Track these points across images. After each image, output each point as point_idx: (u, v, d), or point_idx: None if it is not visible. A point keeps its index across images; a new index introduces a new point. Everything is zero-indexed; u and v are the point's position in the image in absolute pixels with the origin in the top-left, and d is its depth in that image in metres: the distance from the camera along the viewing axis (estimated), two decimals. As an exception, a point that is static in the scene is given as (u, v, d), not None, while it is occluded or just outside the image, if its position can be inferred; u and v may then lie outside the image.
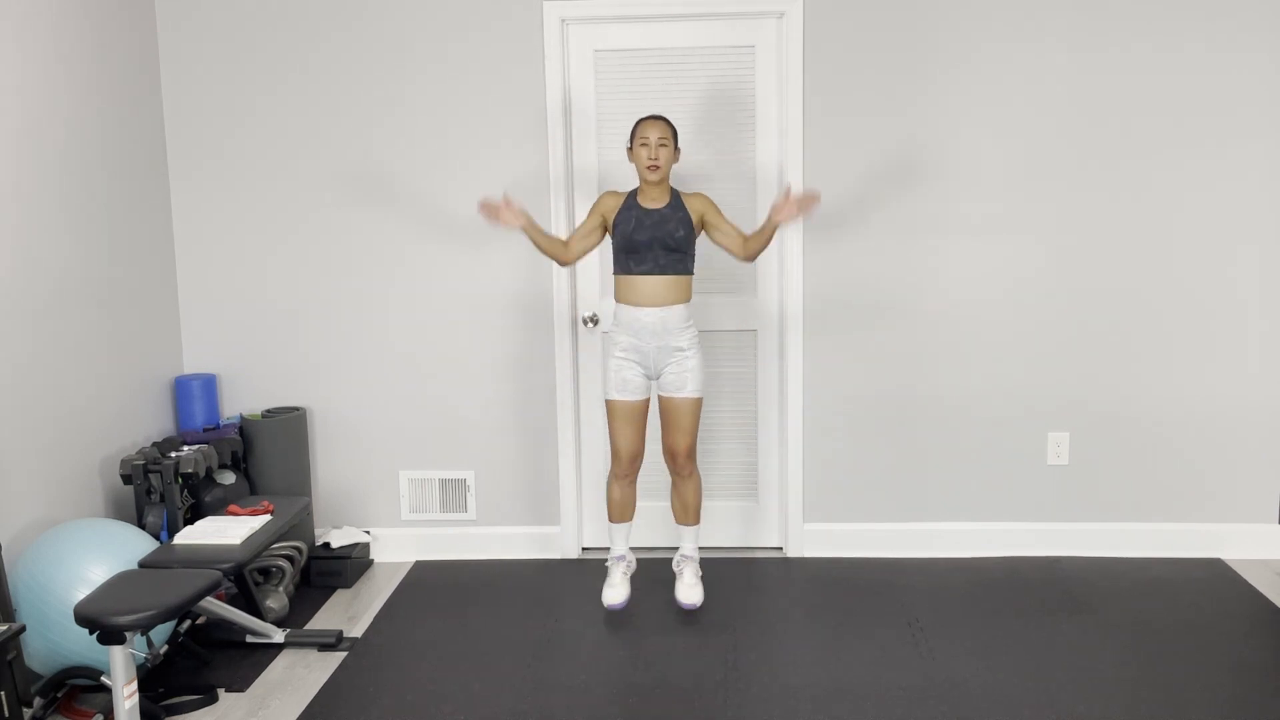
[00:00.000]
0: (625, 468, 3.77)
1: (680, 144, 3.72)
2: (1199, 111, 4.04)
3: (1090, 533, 4.28)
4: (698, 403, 3.71)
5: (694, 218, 3.64)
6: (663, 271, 3.60)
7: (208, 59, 4.19)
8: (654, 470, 4.22)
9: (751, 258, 3.69)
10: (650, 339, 3.63)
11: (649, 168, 3.57)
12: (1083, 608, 3.79)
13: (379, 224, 4.26)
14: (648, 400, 3.73)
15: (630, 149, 3.64)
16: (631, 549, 4.32)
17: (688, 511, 3.84)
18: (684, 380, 3.66)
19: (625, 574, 3.85)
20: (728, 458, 4.38)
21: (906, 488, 4.31)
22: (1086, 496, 4.27)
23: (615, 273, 3.68)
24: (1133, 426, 4.23)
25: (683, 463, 3.76)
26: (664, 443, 3.77)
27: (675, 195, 3.65)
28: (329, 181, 4.24)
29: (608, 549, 3.95)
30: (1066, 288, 4.17)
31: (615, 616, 3.81)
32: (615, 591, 3.80)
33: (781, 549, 4.43)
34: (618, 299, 3.68)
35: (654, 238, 3.57)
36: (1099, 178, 4.10)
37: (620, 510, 3.83)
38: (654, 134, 3.57)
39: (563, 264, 3.77)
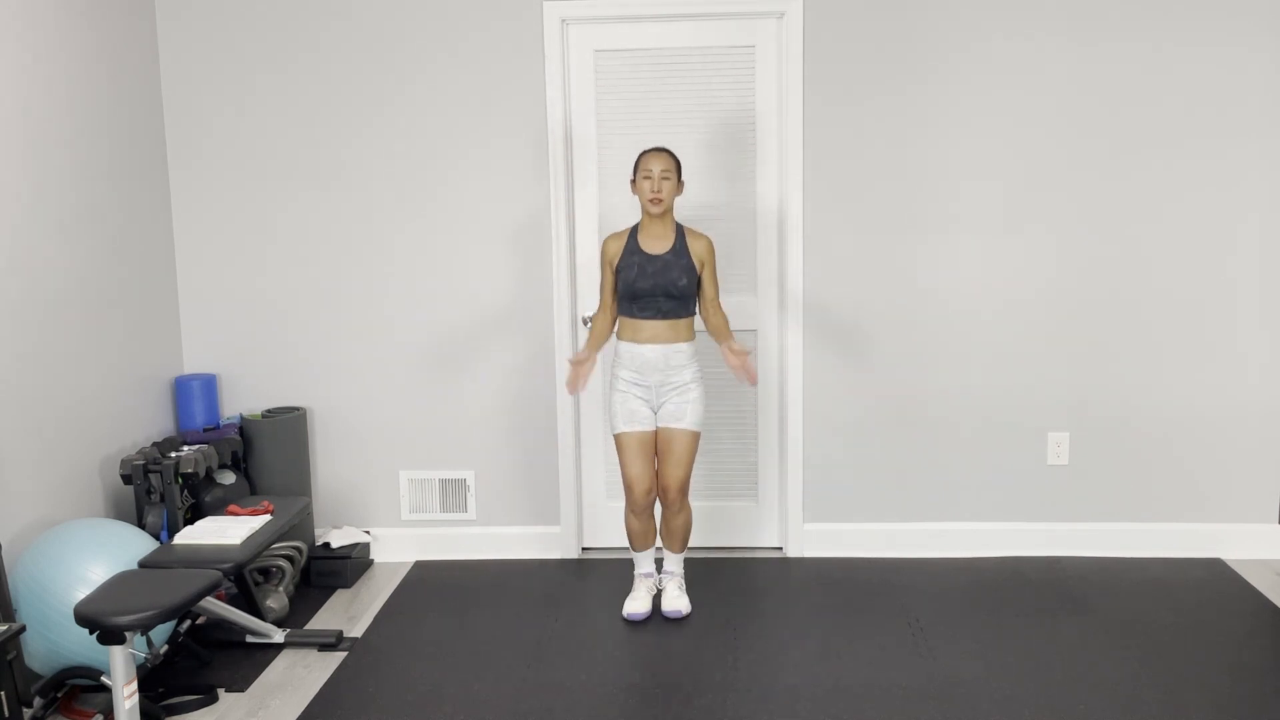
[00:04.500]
0: (640, 502, 3.72)
1: (681, 156, 3.71)
2: (1198, 113, 4.04)
3: (1090, 533, 4.28)
4: (695, 437, 3.68)
5: (696, 263, 3.62)
6: (664, 316, 3.60)
7: (208, 60, 4.19)
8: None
9: (704, 316, 3.71)
10: (653, 374, 3.64)
11: (652, 200, 3.55)
12: (1083, 608, 3.79)
13: (380, 224, 4.26)
14: (655, 432, 3.71)
15: (633, 182, 3.62)
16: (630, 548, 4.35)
17: (674, 540, 3.83)
18: (683, 412, 3.65)
19: (650, 591, 3.85)
20: (728, 458, 4.38)
21: (906, 488, 4.31)
22: (1086, 496, 4.27)
23: (619, 313, 3.68)
24: (1133, 427, 4.23)
25: (674, 498, 3.72)
26: (658, 475, 3.74)
27: (680, 237, 3.62)
28: (330, 182, 4.24)
29: (611, 549, 3.94)
30: (1066, 287, 4.17)
31: (615, 617, 3.80)
32: (638, 603, 3.79)
33: (781, 549, 4.43)
34: (620, 337, 3.68)
35: (656, 285, 3.56)
36: (1098, 180, 4.10)
37: (642, 539, 3.82)
38: (657, 166, 3.55)
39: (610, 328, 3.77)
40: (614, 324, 3.75)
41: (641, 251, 3.60)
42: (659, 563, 4.01)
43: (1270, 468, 4.22)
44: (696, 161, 4.17)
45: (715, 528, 4.41)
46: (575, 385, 3.67)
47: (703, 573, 4.15)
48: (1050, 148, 4.10)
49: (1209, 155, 4.07)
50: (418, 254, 4.27)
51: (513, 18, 4.12)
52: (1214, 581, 4.01)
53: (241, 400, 4.38)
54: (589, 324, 4.28)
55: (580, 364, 3.66)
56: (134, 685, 2.80)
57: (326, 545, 4.26)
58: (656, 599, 3.88)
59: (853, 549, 4.35)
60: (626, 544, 4.32)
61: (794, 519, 4.34)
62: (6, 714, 2.87)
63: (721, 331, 3.70)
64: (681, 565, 3.88)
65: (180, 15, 4.17)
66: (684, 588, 3.86)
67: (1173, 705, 3.10)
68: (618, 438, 3.70)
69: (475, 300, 4.29)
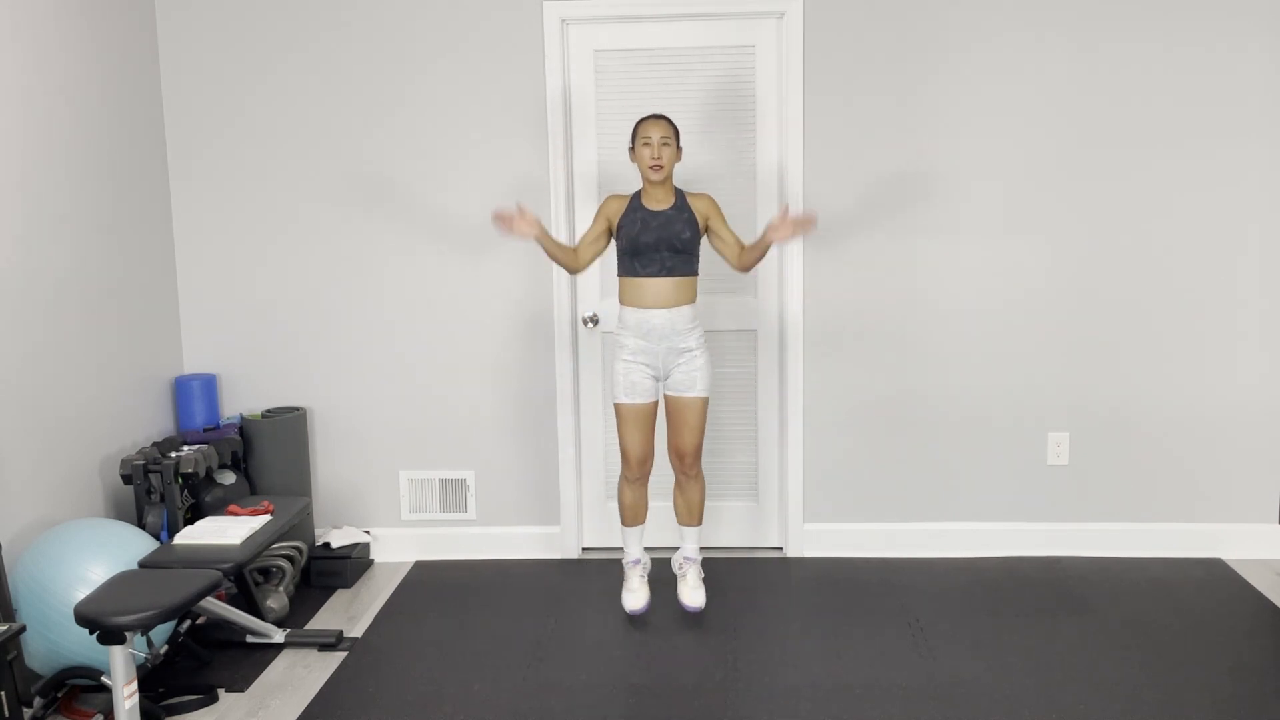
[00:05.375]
0: (636, 471, 3.74)
1: (681, 144, 3.71)
2: (1198, 112, 4.04)
3: (1090, 533, 4.28)
4: (705, 402, 3.69)
5: (699, 219, 3.63)
6: (669, 274, 3.59)
7: (207, 59, 4.19)
8: (655, 469, 4.22)
9: (745, 269, 3.68)
10: (659, 340, 3.62)
11: (652, 167, 3.55)
12: (1083, 608, 3.79)
13: (379, 224, 4.26)
14: (656, 403, 3.72)
15: (632, 150, 3.62)
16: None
17: (691, 512, 3.83)
18: (693, 380, 3.65)
19: (643, 577, 3.84)
20: (728, 458, 4.38)
21: (906, 488, 4.32)
22: (1086, 496, 4.28)
23: (620, 275, 3.66)
24: (1133, 427, 4.23)
25: (689, 463, 3.74)
26: (670, 443, 3.75)
27: (680, 195, 3.64)
28: (329, 182, 4.24)
29: (611, 549, 3.94)
30: (1067, 288, 4.17)
31: (615, 617, 3.81)
32: (636, 596, 3.78)
33: (781, 549, 4.43)
34: (623, 302, 3.66)
35: (660, 239, 3.55)
36: (1099, 180, 4.10)
37: (633, 513, 3.81)
38: (656, 133, 3.55)
39: (572, 272, 3.74)
40: (575, 260, 3.68)
41: (644, 208, 3.60)
42: (661, 560, 4.02)
43: (1270, 468, 4.22)
44: (696, 162, 4.16)
45: (715, 528, 4.41)
46: (494, 216, 3.55)
47: (704, 573, 4.13)
48: (1051, 147, 4.10)
49: (1209, 155, 4.07)
50: (418, 254, 4.27)
51: (512, 18, 4.12)
52: (1214, 581, 4.01)
53: (241, 400, 4.38)
54: (590, 323, 4.28)
55: (524, 213, 3.52)
56: (134, 685, 2.80)
57: (326, 545, 4.26)
58: (672, 587, 3.88)
59: (853, 549, 4.35)
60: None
61: (794, 519, 4.34)
62: (6, 714, 2.87)
63: (757, 244, 3.58)
64: (698, 548, 3.86)
65: (180, 15, 4.17)
66: (703, 576, 3.84)
67: (1173, 705, 3.11)
68: (618, 407, 3.69)
69: (475, 300, 4.29)
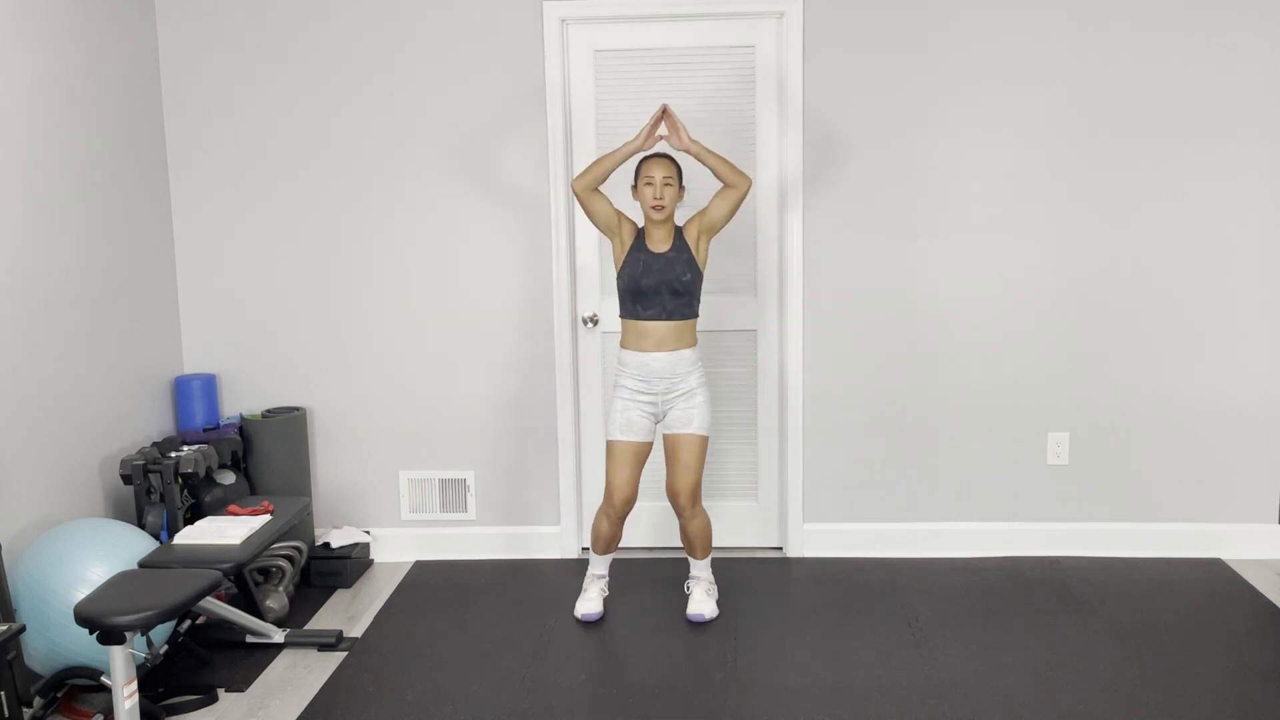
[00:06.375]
0: (618, 509, 3.69)
1: (682, 157, 3.68)
2: (1199, 111, 4.04)
3: (1090, 533, 4.28)
4: (703, 441, 3.65)
5: (696, 251, 3.61)
6: (670, 317, 3.57)
7: (208, 59, 4.19)
8: (653, 467, 4.22)
9: (736, 181, 3.56)
10: (659, 383, 3.61)
11: (654, 207, 3.53)
12: (1083, 608, 3.79)
13: (379, 224, 4.26)
14: (650, 445, 3.68)
15: (634, 188, 3.61)
16: (631, 548, 4.34)
17: (695, 549, 3.78)
18: (690, 417, 3.62)
19: (601, 592, 3.84)
20: (728, 457, 4.38)
21: (906, 488, 4.31)
22: (1086, 496, 4.27)
23: (622, 316, 3.65)
24: (1133, 426, 4.23)
25: (685, 503, 3.67)
26: (667, 483, 3.70)
27: (679, 235, 3.62)
28: (330, 182, 4.24)
29: (618, 552, 3.90)
30: (1067, 287, 4.17)
31: (614, 617, 3.81)
32: (592, 604, 3.78)
33: (781, 549, 4.43)
34: (624, 345, 3.65)
35: (661, 281, 3.55)
36: (1098, 179, 4.10)
37: (606, 544, 3.78)
38: (659, 173, 3.53)
39: (576, 182, 3.59)
40: (590, 188, 3.58)
41: (647, 249, 3.59)
42: (660, 560, 4.02)
43: (1270, 468, 4.22)
44: (695, 161, 4.16)
45: (716, 527, 4.39)
46: (670, 118, 3.58)
47: (703, 573, 4.15)
48: (1051, 147, 4.10)
49: (1209, 154, 4.06)
50: (418, 254, 4.27)
51: (512, 18, 4.12)
52: (1214, 581, 4.01)
53: (241, 400, 4.38)
54: (590, 323, 4.28)
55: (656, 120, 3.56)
56: (134, 685, 2.80)
57: (326, 545, 4.26)
58: (675, 588, 3.88)
59: (853, 549, 4.34)
60: (626, 545, 4.33)
61: (794, 519, 4.34)
62: (6, 714, 2.87)
63: (708, 165, 3.57)
64: (708, 569, 3.84)
65: (180, 15, 4.17)
66: (713, 592, 3.82)
67: (1173, 705, 3.10)
68: (610, 444, 3.67)
69: (475, 300, 4.29)
